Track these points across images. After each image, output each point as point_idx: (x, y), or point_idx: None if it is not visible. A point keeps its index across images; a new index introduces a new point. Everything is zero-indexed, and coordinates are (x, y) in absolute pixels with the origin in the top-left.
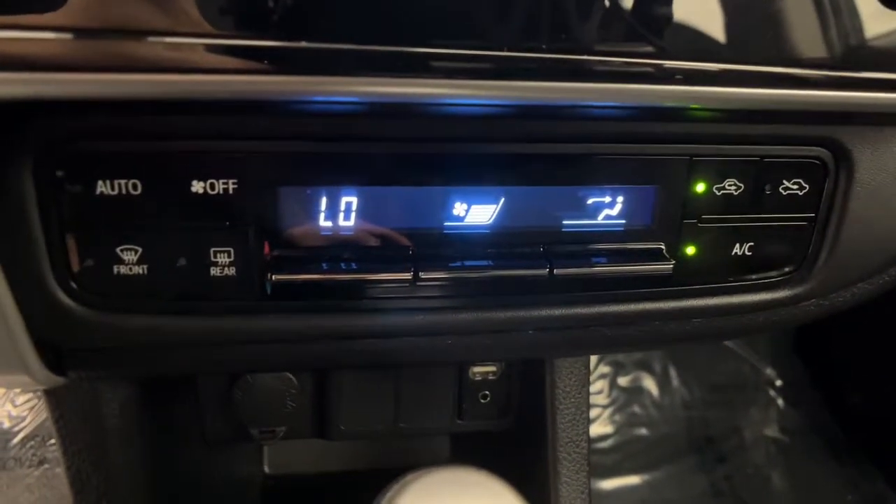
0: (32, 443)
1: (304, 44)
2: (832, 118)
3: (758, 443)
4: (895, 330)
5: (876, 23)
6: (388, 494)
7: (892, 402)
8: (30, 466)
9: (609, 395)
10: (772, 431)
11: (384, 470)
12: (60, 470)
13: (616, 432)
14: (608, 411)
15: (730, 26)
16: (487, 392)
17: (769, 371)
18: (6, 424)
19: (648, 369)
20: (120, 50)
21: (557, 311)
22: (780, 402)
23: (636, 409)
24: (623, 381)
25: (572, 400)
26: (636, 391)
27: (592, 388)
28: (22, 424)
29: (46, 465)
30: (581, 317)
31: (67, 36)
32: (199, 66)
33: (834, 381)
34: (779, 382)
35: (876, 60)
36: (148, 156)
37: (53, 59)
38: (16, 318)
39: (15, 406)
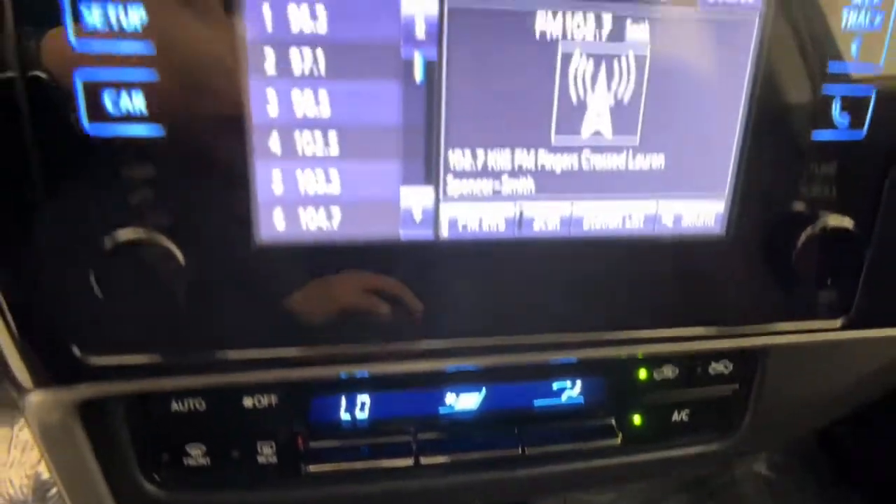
0: None
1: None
2: None
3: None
4: None
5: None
6: None
7: (879, 438)
8: None
9: None
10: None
11: None
12: None
13: None
14: None
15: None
16: None
17: None
18: (45, 475)
19: None
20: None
21: (532, 472)
22: None
23: None
24: None
25: None
26: None
27: None
28: None
29: None
30: (547, 475)
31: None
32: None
33: None
34: None
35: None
36: (212, 385)
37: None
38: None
39: None
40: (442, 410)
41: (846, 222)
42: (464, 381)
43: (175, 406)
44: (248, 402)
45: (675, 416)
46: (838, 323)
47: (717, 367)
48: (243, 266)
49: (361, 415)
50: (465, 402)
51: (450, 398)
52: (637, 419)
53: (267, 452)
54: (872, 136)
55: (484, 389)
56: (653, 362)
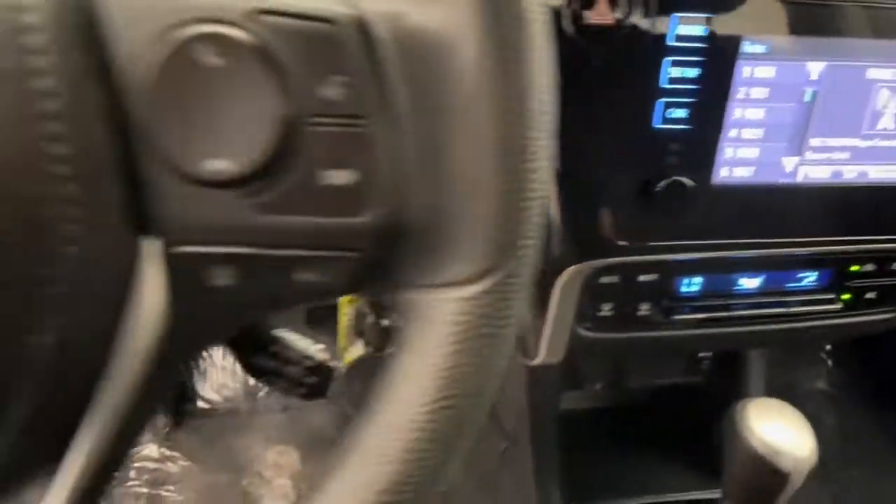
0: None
1: None
2: None
3: (811, 394)
4: None
5: None
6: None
7: None
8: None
9: None
10: (822, 384)
11: None
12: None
13: None
14: None
15: None
16: None
17: None
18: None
19: None
20: None
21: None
22: (829, 362)
23: None
24: None
25: None
26: None
27: None
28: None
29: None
30: (794, 324)
31: None
32: None
33: (870, 346)
34: (828, 346)
35: None
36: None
37: None
38: None
39: None
40: (735, 289)
41: None
42: (750, 269)
43: (603, 279)
44: (641, 277)
45: (868, 296)
46: None
47: None
48: None
49: (695, 288)
50: (749, 283)
51: (742, 280)
52: (846, 296)
53: (644, 308)
54: None
55: (764, 275)
56: (860, 260)
